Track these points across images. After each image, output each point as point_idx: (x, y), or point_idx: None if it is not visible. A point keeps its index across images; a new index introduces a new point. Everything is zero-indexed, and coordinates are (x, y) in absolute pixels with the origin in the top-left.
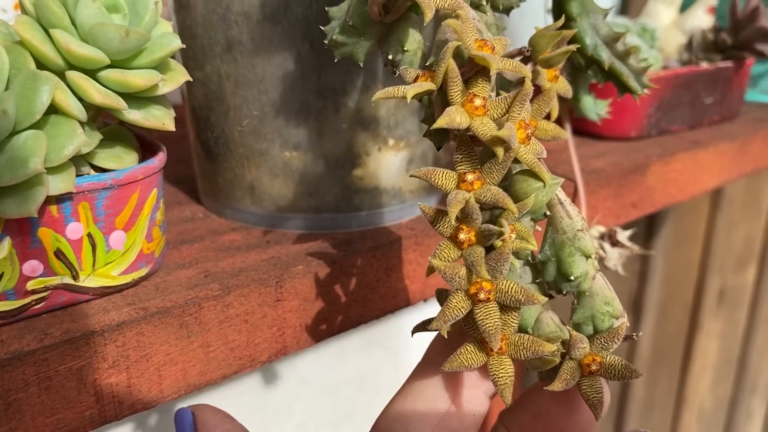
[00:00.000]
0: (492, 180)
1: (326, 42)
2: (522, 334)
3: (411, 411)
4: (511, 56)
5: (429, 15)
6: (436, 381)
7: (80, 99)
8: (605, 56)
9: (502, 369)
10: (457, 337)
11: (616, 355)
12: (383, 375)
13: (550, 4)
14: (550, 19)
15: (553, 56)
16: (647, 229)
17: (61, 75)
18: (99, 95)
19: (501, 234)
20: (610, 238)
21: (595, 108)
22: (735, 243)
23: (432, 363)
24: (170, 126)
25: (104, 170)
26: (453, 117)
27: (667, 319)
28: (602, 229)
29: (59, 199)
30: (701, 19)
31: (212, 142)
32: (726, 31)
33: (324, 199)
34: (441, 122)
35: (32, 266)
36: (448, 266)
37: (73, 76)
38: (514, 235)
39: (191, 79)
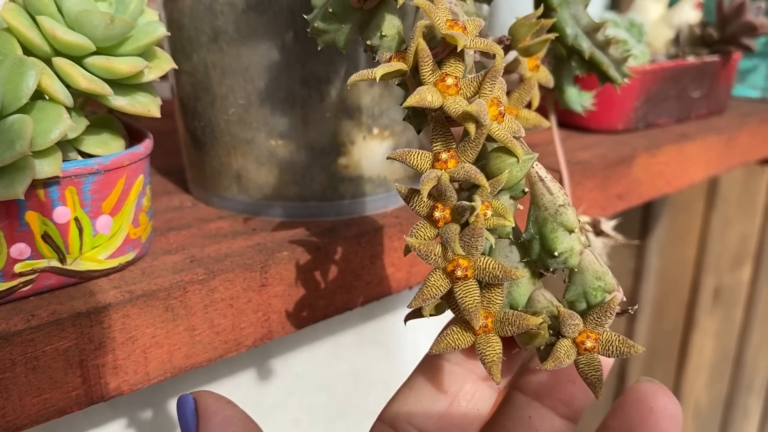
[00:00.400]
0: (467, 158)
1: (309, 30)
2: (508, 311)
3: (414, 404)
4: None
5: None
6: (440, 375)
7: (67, 85)
8: (585, 46)
9: (489, 347)
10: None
11: (614, 331)
12: (378, 371)
13: None
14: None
15: (532, 45)
16: (642, 226)
17: (48, 61)
18: (85, 81)
19: (473, 209)
20: (594, 228)
21: (580, 99)
22: (730, 241)
23: (436, 356)
24: (156, 113)
25: (91, 156)
26: (424, 96)
27: (663, 317)
28: (586, 218)
29: (46, 183)
30: (689, 15)
31: (199, 131)
32: (713, 25)
33: (309, 188)
34: (411, 101)
35: (20, 249)
36: (422, 244)
37: (60, 62)
38: (489, 212)
39: (176, 67)
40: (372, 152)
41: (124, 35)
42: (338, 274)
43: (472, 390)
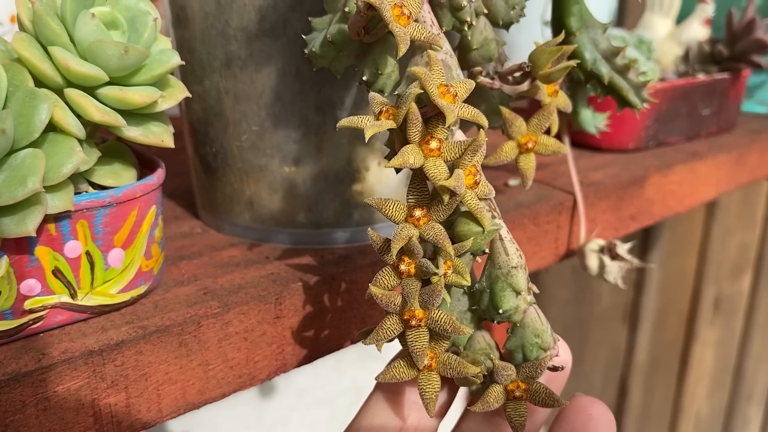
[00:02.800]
0: (437, 218)
1: (306, 51)
2: (451, 355)
3: (371, 420)
4: (512, 72)
5: (403, 49)
6: (389, 403)
7: (79, 116)
8: (605, 71)
9: (429, 384)
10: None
11: (543, 384)
12: None
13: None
14: (547, 32)
15: (553, 72)
16: (643, 238)
17: (60, 92)
18: (98, 113)
19: (436, 273)
20: (610, 252)
21: (594, 121)
22: (730, 251)
23: (383, 389)
24: (169, 143)
25: (102, 187)
26: (407, 158)
27: (664, 327)
28: (602, 242)
29: (57, 217)
30: (697, 31)
31: (211, 157)
32: (722, 42)
33: (323, 214)
34: (395, 162)
35: (30, 285)
36: (385, 294)
37: (72, 93)
38: (450, 271)
39: (190, 96)
40: (387, 178)
41: (138, 65)
42: (353, 303)
43: (418, 417)
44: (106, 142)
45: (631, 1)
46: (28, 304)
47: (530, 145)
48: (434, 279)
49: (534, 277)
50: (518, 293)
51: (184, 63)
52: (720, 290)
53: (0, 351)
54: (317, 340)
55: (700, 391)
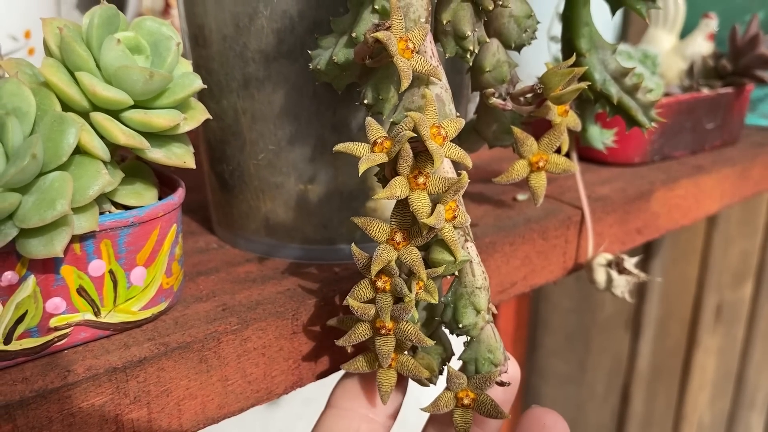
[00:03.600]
0: (416, 243)
1: (310, 66)
2: (409, 358)
3: None
4: (523, 93)
5: (406, 84)
6: (342, 419)
7: (104, 139)
8: (614, 91)
9: (387, 379)
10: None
11: (489, 396)
12: None
13: (553, 32)
14: (553, 47)
15: (564, 93)
16: (645, 247)
17: (86, 115)
18: (124, 136)
19: (408, 295)
20: (617, 266)
21: (602, 137)
22: (732, 259)
23: (334, 406)
24: (191, 164)
25: (125, 207)
26: (395, 191)
27: (666, 335)
28: (609, 256)
29: (82, 237)
30: (701, 46)
31: (227, 174)
32: (726, 57)
33: (338, 231)
34: (383, 195)
35: (55, 303)
36: (361, 306)
37: (98, 117)
38: (421, 290)
39: (211, 117)
40: None
41: (162, 89)
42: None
43: (369, 429)
44: (126, 161)
45: (635, 15)
46: (53, 322)
47: (541, 164)
48: (406, 299)
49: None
50: (479, 312)
51: (205, 87)
52: (721, 298)
53: (26, 368)
54: (332, 354)
55: (702, 399)
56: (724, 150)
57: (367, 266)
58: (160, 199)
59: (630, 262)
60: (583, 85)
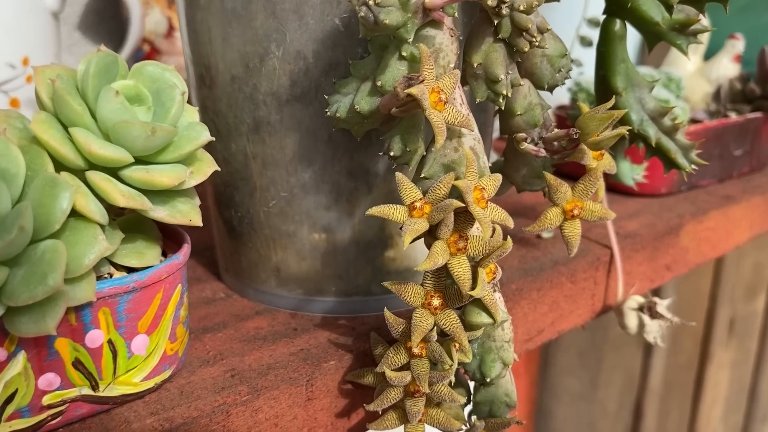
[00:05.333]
0: (452, 305)
1: (327, 112)
2: (439, 411)
3: None
4: (558, 138)
5: (441, 141)
6: None
7: (101, 199)
8: (652, 132)
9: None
10: None
11: None
12: None
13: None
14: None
15: (602, 140)
16: None
17: (81, 174)
18: (123, 198)
19: (450, 364)
20: (650, 311)
21: (632, 173)
22: (745, 272)
23: None
24: (197, 221)
25: (126, 267)
26: (437, 260)
27: (678, 350)
28: (641, 299)
29: (78, 307)
30: (727, 68)
31: (236, 221)
32: (754, 80)
33: (354, 282)
34: (426, 265)
35: (48, 380)
36: (398, 376)
37: (95, 177)
38: (458, 352)
39: (219, 169)
40: (421, 244)
41: (166, 144)
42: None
43: None
44: (126, 215)
45: None
46: (46, 400)
47: (576, 212)
48: (446, 366)
49: None
50: (506, 365)
51: (213, 139)
52: (734, 311)
53: None
54: (349, 419)
55: (715, 413)
56: (753, 177)
57: (405, 334)
58: (163, 254)
59: (662, 306)
60: (624, 130)
